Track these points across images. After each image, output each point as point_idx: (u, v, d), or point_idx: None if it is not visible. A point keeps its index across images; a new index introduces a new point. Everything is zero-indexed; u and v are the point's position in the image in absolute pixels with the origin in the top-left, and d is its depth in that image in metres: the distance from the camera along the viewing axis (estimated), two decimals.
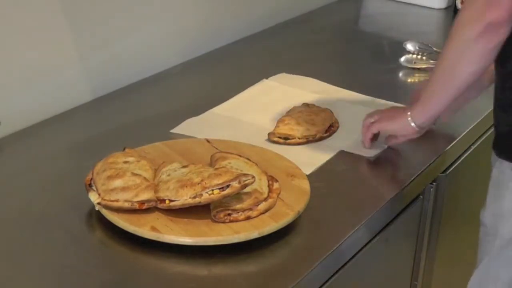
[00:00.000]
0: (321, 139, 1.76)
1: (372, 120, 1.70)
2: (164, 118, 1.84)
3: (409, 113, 1.62)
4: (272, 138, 1.74)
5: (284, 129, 1.75)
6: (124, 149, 1.55)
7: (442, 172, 1.80)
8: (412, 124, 1.62)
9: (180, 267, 1.36)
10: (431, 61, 2.16)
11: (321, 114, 1.81)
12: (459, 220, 1.99)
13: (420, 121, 1.62)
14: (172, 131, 1.76)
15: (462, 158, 1.88)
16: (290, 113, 1.82)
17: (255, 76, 2.05)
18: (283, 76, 2.08)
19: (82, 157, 1.66)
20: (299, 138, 1.74)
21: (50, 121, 1.82)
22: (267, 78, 2.05)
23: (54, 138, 1.76)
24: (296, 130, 1.74)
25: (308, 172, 1.60)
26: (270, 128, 1.77)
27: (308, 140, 1.74)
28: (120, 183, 1.42)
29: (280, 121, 1.78)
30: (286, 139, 1.73)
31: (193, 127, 1.78)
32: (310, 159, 1.67)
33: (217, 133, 1.72)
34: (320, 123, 1.77)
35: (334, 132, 1.79)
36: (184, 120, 1.81)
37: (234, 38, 2.33)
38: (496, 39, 1.45)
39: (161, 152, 1.60)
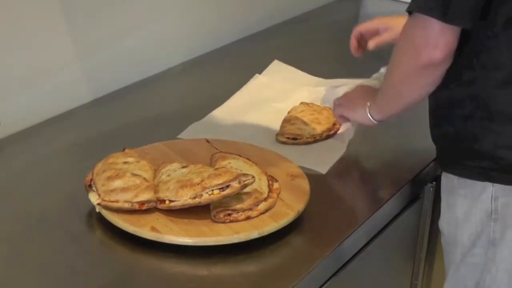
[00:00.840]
0: (328, 137, 1.76)
1: (338, 102, 1.72)
2: (164, 118, 1.84)
3: (368, 107, 1.62)
4: (281, 139, 1.73)
5: (292, 129, 1.74)
6: (123, 149, 1.55)
7: None
8: (370, 118, 1.63)
9: (180, 267, 1.36)
10: None
11: (324, 112, 1.80)
12: None
13: (378, 117, 1.62)
14: (178, 136, 1.74)
15: None
16: (293, 112, 1.82)
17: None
18: (275, 66, 2.09)
19: (82, 157, 1.66)
20: (307, 138, 1.73)
21: (50, 121, 1.82)
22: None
23: (54, 138, 1.76)
24: (303, 129, 1.74)
25: (324, 172, 1.61)
26: (276, 127, 1.77)
27: (316, 139, 1.74)
28: (120, 183, 1.42)
29: (285, 121, 1.78)
30: (294, 139, 1.73)
31: (199, 132, 1.75)
32: (322, 158, 1.67)
33: (223, 137, 1.70)
34: (325, 121, 1.77)
35: (338, 129, 1.78)
36: (183, 120, 1.80)
37: (233, 38, 2.33)
38: (437, 74, 1.43)
39: (161, 153, 1.60)
